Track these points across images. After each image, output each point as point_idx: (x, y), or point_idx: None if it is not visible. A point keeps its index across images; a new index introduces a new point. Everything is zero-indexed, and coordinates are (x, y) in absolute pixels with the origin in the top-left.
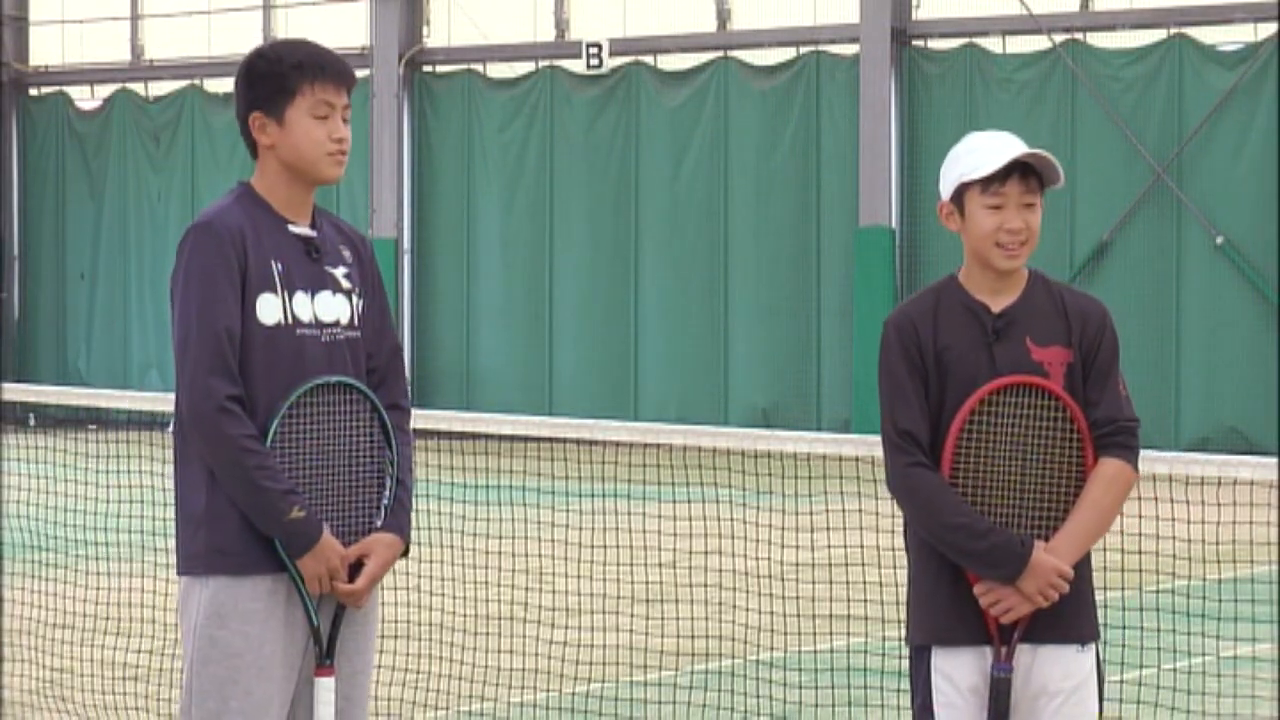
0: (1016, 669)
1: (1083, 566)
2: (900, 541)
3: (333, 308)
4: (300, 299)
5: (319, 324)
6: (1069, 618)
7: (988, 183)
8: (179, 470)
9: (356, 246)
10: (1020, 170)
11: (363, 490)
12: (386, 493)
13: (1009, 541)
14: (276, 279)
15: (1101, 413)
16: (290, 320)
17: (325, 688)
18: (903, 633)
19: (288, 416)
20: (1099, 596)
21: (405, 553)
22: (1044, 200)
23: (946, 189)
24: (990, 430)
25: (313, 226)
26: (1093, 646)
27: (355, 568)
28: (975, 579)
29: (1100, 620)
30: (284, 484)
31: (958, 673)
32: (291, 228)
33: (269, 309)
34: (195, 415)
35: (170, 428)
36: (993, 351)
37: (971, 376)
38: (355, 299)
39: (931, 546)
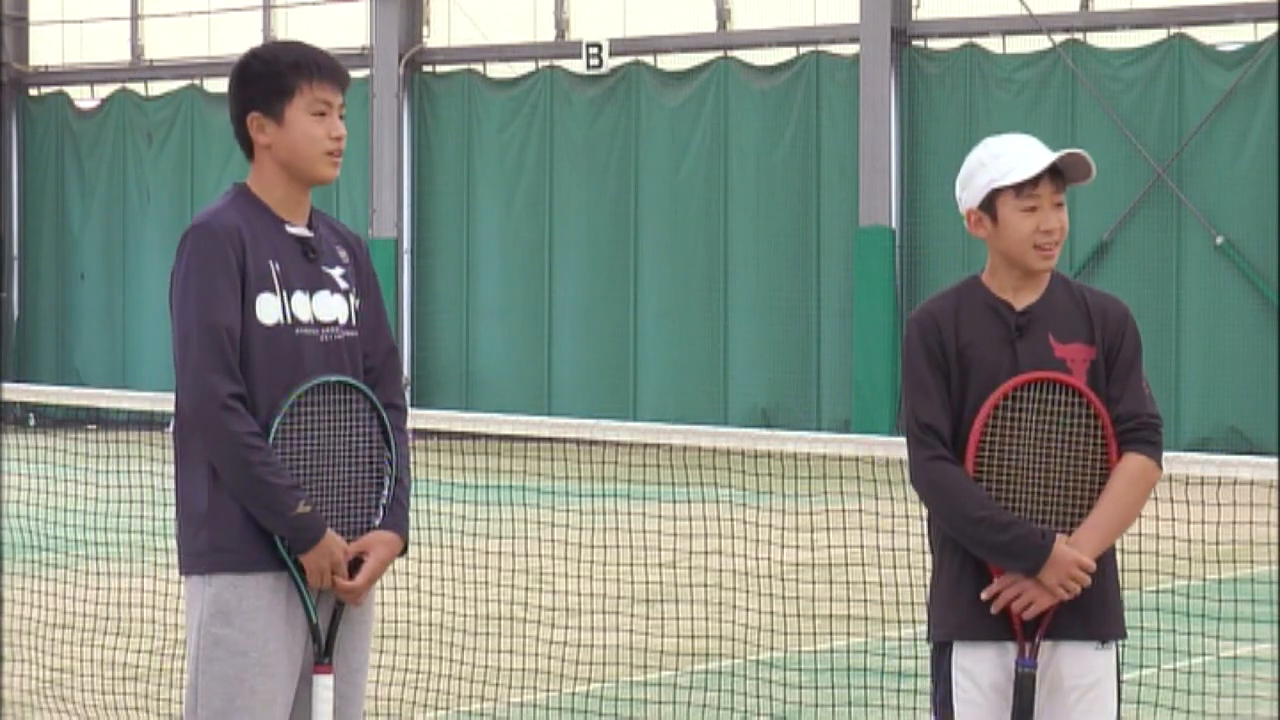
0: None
1: (1107, 565)
2: (902, 542)
3: (331, 307)
4: (299, 299)
5: (318, 323)
6: (1091, 615)
7: (1021, 186)
8: (180, 470)
9: (352, 247)
10: (1050, 170)
11: (362, 488)
12: (385, 491)
13: (1030, 534)
14: (275, 279)
15: (1124, 408)
16: (289, 320)
17: (324, 685)
18: (902, 632)
19: (289, 415)
20: None
21: (404, 551)
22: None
23: (974, 196)
24: (1014, 425)
25: (309, 227)
26: (1113, 646)
27: (354, 565)
28: (998, 572)
29: None
30: (288, 480)
31: (979, 668)
32: (288, 228)
33: (268, 309)
34: (198, 414)
35: (170, 427)
36: (1015, 348)
37: (994, 373)
38: (352, 299)
39: (955, 543)
